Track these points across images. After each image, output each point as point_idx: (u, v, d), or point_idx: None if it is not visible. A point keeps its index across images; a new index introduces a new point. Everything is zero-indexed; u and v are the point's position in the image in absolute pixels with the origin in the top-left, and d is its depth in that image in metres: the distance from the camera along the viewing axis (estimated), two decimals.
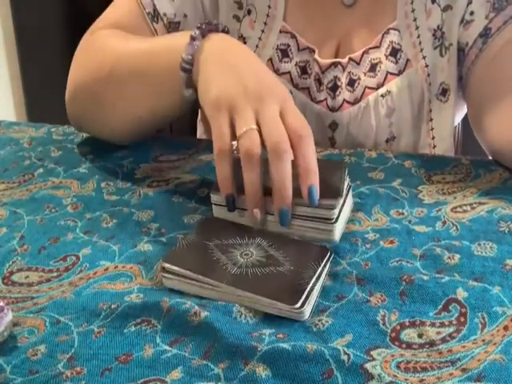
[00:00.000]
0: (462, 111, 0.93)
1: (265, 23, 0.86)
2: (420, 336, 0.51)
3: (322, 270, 0.57)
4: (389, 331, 0.52)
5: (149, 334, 0.52)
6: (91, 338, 0.52)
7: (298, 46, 0.85)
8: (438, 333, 0.51)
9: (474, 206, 0.67)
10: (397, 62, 0.84)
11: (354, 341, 0.51)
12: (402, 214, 0.67)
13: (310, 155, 0.61)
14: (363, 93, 0.85)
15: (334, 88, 0.85)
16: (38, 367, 0.50)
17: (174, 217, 0.68)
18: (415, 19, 0.84)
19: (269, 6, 0.85)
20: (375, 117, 0.85)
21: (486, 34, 0.80)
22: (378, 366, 0.48)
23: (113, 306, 0.55)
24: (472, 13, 0.82)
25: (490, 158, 0.79)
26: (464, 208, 0.67)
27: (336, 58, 0.85)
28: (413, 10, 0.84)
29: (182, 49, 0.68)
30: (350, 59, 0.85)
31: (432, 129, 0.87)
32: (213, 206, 0.65)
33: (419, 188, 0.71)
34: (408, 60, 0.84)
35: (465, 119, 0.96)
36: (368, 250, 0.61)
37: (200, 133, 1.04)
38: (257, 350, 0.49)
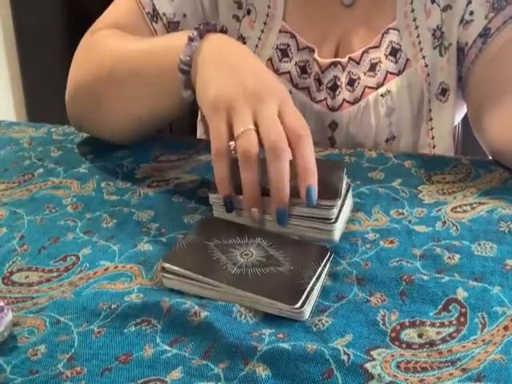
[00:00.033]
0: (462, 111, 0.93)
1: (264, 23, 0.86)
2: (420, 336, 0.51)
3: (322, 269, 0.57)
4: (389, 331, 0.52)
5: (149, 334, 0.52)
6: (91, 338, 0.52)
7: (298, 45, 0.86)
8: (438, 333, 0.51)
9: (474, 205, 0.67)
10: (396, 62, 0.84)
11: (354, 341, 0.51)
12: (402, 214, 0.67)
13: (309, 155, 0.61)
14: (363, 92, 0.85)
15: (334, 88, 0.85)
16: (38, 367, 0.50)
17: (173, 217, 0.68)
18: (415, 19, 0.84)
19: (268, 6, 0.85)
20: (375, 116, 0.85)
21: (485, 34, 0.80)
22: (378, 365, 0.48)
23: (113, 306, 0.55)
24: (471, 13, 0.82)
25: (490, 157, 0.79)
26: (464, 208, 0.67)
27: (336, 57, 0.85)
28: (412, 10, 0.84)
29: (181, 50, 0.68)
30: (350, 59, 0.85)
31: (432, 128, 0.87)
32: (212, 205, 0.65)
33: (419, 188, 0.71)
34: (408, 60, 0.84)
35: (465, 119, 0.96)
36: (368, 250, 0.61)
37: (200, 133, 1.04)
38: (257, 350, 0.49)
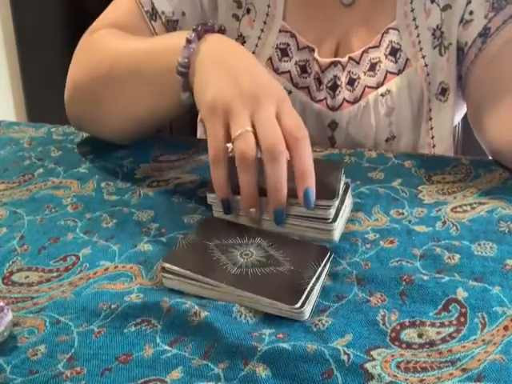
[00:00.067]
0: (462, 111, 0.93)
1: (264, 22, 0.86)
2: (420, 336, 0.51)
3: (322, 269, 0.57)
4: (389, 331, 0.52)
5: (149, 334, 0.52)
6: (91, 338, 0.52)
7: (298, 45, 0.86)
8: (438, 333, 0.51)
9: (474, 205, 0.67)
10: (396, 62, 0.84)
11: (354, 341, 0.51)
12: (402, 214, 0.67)
13: (307, 157, 0.60)
14: (363, 92, 0.85)
15: (334, 87, 0.85)
16: (38, 367, 0.50)
17: (173, 217, 0.68)
18: (414, 19, 0.84)
19: (268, 5, 0.85)
20: (375, 116, 0.85)
21: (485, 34, 0.80)
22: (378, 365, 0.48)
23: (113, 306, 0.55)
24: (471, 12, 0.82)
25: (490, 157, 0.79)
26: (464, 208, 0.67)
27: (335, 57, 0.85)
28: (412, 10, 0.84)
29: (179, 51, 0.68)
30: (350, 58, 0.85)
31: (431, 128, 0.87)
32: (211, 205, 0.65)
33: (419, 188, 0.71)
34: (407, 59, 0.84)
35: (465, 119, 0.96)
36: (368, 250, 0.61)
37: (200, 133, 1.04)
38: (257, 350, 0.49)
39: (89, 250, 0.64)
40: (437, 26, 0.84)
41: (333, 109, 0.86)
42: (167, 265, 0.57)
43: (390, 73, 0.85)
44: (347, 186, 0.66)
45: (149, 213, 0.69)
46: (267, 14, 0.86)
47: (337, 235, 0.62)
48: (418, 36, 0.84)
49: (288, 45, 0.86)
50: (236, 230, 0.62)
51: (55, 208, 0.71)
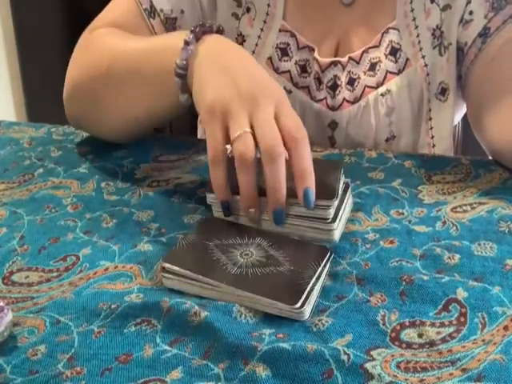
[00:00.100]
0: (462, 111, 0.93)
1: (264, 22, 0.86)
2: (420, 336, 0.51)
3: (322, 270, 0.57)
4: (389, 331, 0.52)
5: (149, 334, 0.52)
6: (91, 338, 0.52)
7: (298, 44, 0.86)
8: (438, 333, 0.51)
9: (474, 205, 0.67)
10: (396, 62, 0.84)
11: (354, 341, 0.51)
12: (402, 214, 0.67)
13: (306, 156, 0.60)
14: (363, 92, 0.85)
15: (334, 87, 0.85)
16: (38, 367, 0.50)
17: (173, 217, 0.68)
18: (414, 19, 0.84)
19: (268, 5, 0.85)
20: (375, 116, 0.85)
21: (485, 34, 0.80)
22: (378, 365, 0.48)
23: (113, 306, 0.55)
24: (471, 12, 0.82)
25: (490, 157, 0.79)
26: (464, 208, 0.67)
27: (335, 56, 0.85)
28: (412, 10, 0.84)
29: (177, 52, 0.68)
30: (350, 58, 0.85)
31: (431, 128, 0.87)
32: (211, 205, 0.65)
33: (419, 188, 0.71)
34: (407, 59, 0.84)
35: (465, 119, 0.96)
36: (368, 250, 0.61)
37: (201, 133, 1.04)
38: (257, 350, 0.49)
39: (89, 250, 0.64)
40: (437, 26, 0.84)
41: (333, 108, 0.86)
42: (167, 265, 0.57)
43: (390, 73, 0.85)
44: (347, 186, 0.66)
45: (149, 213, 0.69)
46: (267, 14, 0.86)
47: (337, 235, 0.62)
48: (417, 36, 0.84)
49: (288, 44, 0.86)
50: (236, 230, 0.62)
51: (55, 208, 0.71)
